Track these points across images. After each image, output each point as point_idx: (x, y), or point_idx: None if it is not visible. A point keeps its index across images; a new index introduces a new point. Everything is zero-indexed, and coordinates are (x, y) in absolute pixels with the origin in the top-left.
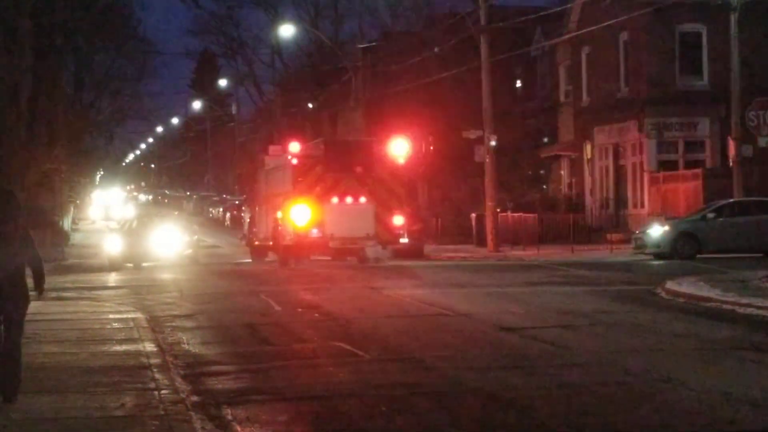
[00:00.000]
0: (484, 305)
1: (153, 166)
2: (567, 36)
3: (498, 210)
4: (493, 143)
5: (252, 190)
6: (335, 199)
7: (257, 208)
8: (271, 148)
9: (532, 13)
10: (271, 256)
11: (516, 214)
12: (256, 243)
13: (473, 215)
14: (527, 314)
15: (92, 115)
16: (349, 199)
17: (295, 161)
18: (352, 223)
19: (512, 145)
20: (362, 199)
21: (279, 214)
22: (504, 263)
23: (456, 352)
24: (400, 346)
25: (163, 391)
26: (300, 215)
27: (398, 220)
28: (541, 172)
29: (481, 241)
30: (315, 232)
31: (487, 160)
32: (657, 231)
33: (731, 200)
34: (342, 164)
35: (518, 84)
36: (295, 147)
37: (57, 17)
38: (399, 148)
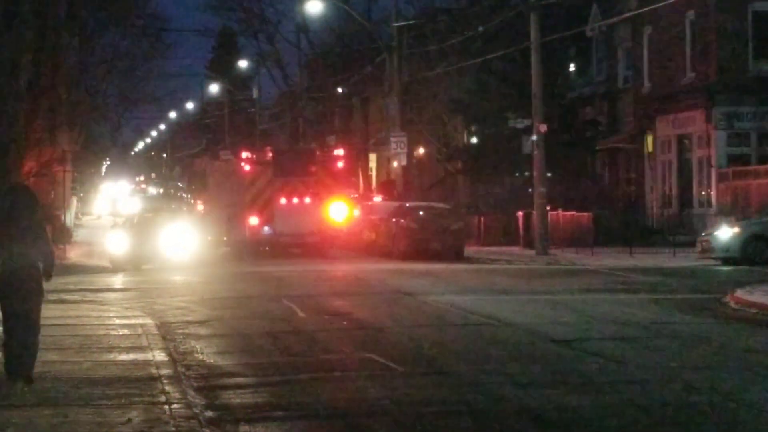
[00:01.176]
0: (532, 314)
1: (165, 155)
2: (627, 15)
3: (548, 208)
4: (542, 133)
5: (203, 191)
6: (283, 200)
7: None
8: (221, 153)
9: None
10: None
11: (568, 213)
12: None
13: (520, 213)
14: (579, 324)
15: (98, 99)
16: (295, 200)
17: (247, 167)
18: (299, 220)
19: (564, 136)
20: (307, 200)
21: (234, 214)
22: (554, 267)
23: (499, 365)
24: (437, 359)
25: (174, 405)
26: (253, 216)
27: (339, 216)
28: (597, 165)
29: (529, 243)
30: (266, 230)
31: (536, 152)
32: (726, 233)
33: None
34: (289, 169)
35: (572, 68)
36: (246, 154)
37: None
38: (338, 155)
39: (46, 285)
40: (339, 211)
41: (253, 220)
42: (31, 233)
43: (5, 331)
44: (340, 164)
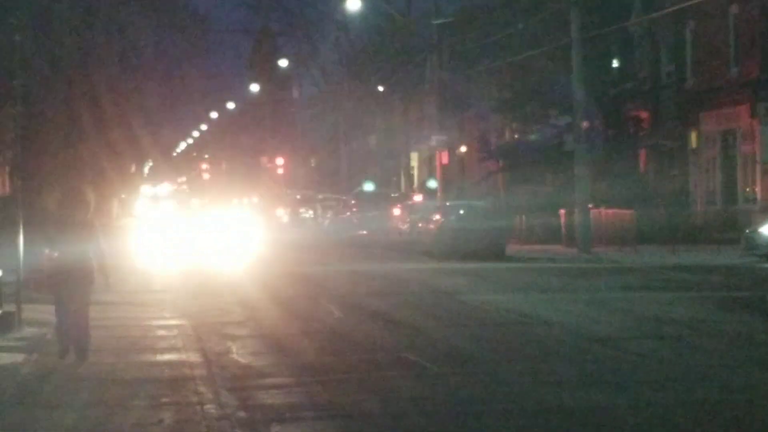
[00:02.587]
0: (571, 313)
1: (207, 156)
2: (669, 10)
3: (590, 206)
4: (584, 130)
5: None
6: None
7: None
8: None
9: None
10: None
11: (610, 211)
12: None
13: (562, 211)
14: (619, 323)
15: (139, 99)
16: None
17: (206, 176)
18: None
19: (606, 133)
20: (254, 199)
21: None
22: (596, 266)
23: (535, 364)
24: (474, 358)
25: (206, 406)
26: None
27: (279, 212)
28: (640, 162)
29: (572, 241)
30: None
31: (578, 150)
32: None
33: None
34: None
35: (614, 64)
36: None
37: None
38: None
39: (105, 282)
40: None
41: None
42: (85, 231)
43: (57, 315)
44: (280, 170)
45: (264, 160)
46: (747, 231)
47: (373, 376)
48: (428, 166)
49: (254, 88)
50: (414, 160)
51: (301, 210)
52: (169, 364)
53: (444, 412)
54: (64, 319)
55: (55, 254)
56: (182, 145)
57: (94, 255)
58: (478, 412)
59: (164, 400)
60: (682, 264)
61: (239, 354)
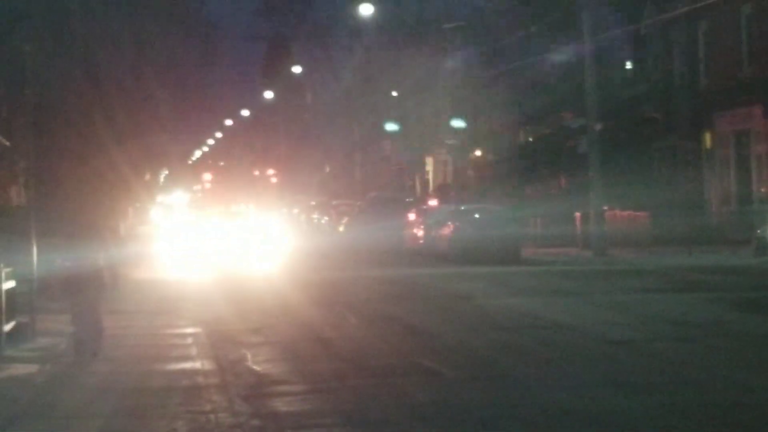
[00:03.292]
0: (588, 315)
1: (222, 164)
2: (682, 11)
3: (605, 208)
4: (597, 132)
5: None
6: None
7: None
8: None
9: None
10: None
11: (625, 213)
12: None
13: (577, 214)
14: (635, 325)
15: (152, 106)
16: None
17: (208, 185)
18: None
19: (620, 135)
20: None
21: None
22: (612, 268)
23: (554, 368)
24: (490, 363)
25: (220, 414)
26: None
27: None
28: (654, 164)
29: (587, 243)
30: None
31: (591, 152)
32: None
33: None
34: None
35: (627, 65)
36: (208, 176)
37: None
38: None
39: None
40: None
41: None
42: (97, 240)
43: (74, 318)
44: (274, 179)
45: (256, 171)
46: (758, 231)
47: (389, 382)
48: (443, 170)
49: (268, 94)
50: (429, 164)
51: (316, 216)
52: (183, 372)
53: (461, 417)
54: (80, 324)
55: (68, 263)
56: (197, 153)
57: (105, 263)
58: (495, 417)
59: (178, 408)
60: (698, 265)
61: (254, 362)
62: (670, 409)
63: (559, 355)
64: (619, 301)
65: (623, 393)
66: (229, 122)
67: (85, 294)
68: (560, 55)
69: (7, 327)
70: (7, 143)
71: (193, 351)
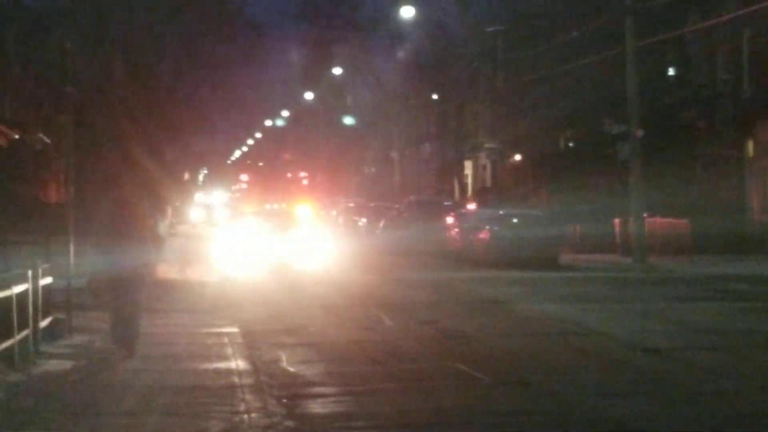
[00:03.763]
0: (625, 323)
1: (261, 164)
2: (726, 17)
3: (645, 215)
4: (638, 139)
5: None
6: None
7: None
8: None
9: None
10: None
11: (665, 220)
12: None
13: (617, 220)
14: (673, 334)
15: (193, 106)
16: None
17: (245, 186)
18: None
19: (661, 141)
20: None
21: None
22: (650, 275)
23: (587, 375)
24: (524, 369)
25: (253, 415)
26: None
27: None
28: (695, 171)
29: (626, 250)
30: None
31: (632, 158)
32: None
33: None
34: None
35: (669, 72)
36: (245, 177)
37: None
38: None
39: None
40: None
41: None
42: (137, 240)
43: (113, 313)
44: (305, 182)
45: (289, 173)
46: None
47: (423, 385)
48: (482, 174)
49: (308, 96)
50: (468, 168)
51: (354, 218)
52: (218, 372)
53: (495, 423)
54: (119, 320)
55: (111, 261)
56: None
57: (145, 262)
58: (529, 424)
59: (211, 408)
60: (738, 274)
61: (288, 362)
62: (706, 419)
63: (596, 362)
64: (657, 309)
65: (658, 402)
66: (268, 123)
67: (125, 293)
68: (602, 60)
69: (44, 323)
70: (48, 141)
71: (228, 351)
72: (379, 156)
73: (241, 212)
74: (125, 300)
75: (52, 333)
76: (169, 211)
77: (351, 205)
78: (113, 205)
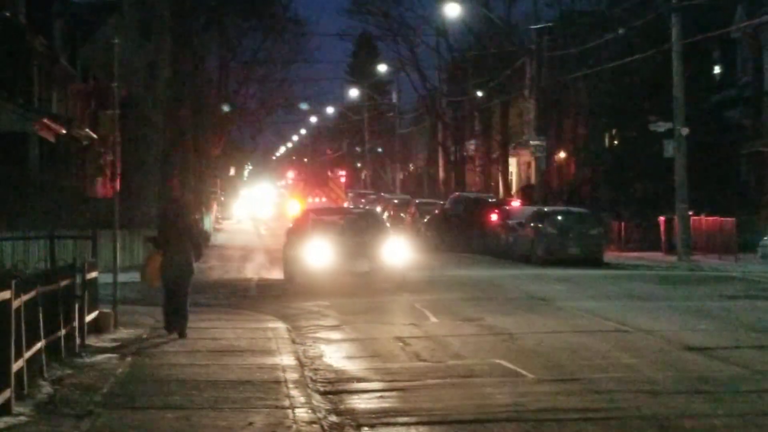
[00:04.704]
0: (669, 321)
1: (305, 160)
2: None
3: (690, 213)
4: (684, 137)
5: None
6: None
7: None
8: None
9: None
10: None
11: (711, 218)
12: None
13: (661, 218)
14: (718, 332)
15: (239, 103)
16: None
17: (290, 182)
18: None
19: (707, 140)
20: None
21: None
22: (696, 274)
23: (632, 373)
24: (569, 366)
25: (297, 410)
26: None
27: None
28: (741, 170)
29: (671, 248)
30: None
31: (678, 156)
32: None
33: None
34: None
35: (715, 70)
36: (291, 174)
37: None
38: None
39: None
40: None
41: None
42: (186, 235)
43: (166, 297)
44: (343, 179)
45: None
46: None
47: (467, 382)
48: (527, 171)
49: (353, 93)
50: (512, 165)
51: (398, 214)
52: (262, 366)
53: (539, 420)
54: (170, 306)
55: (162, 254)
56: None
57: (191, 254)
58: (574, 420)
59: (256, 402)
60: None
61: (332, 358)
62: (750, 418)
63: (640, 360)
64: (702, 307)
65: (703, 399)
66: (313, 119)
67: (177, 282)
68: (648, 58)
69: (90, 317)
70: (95, 136)
71: (273, 345)
72: (423, 152)
73: (287, 208)
74: (177, 288)
75: (98, 327)
76: (215, 206)
77: (395, 201)
78: (164, 208)
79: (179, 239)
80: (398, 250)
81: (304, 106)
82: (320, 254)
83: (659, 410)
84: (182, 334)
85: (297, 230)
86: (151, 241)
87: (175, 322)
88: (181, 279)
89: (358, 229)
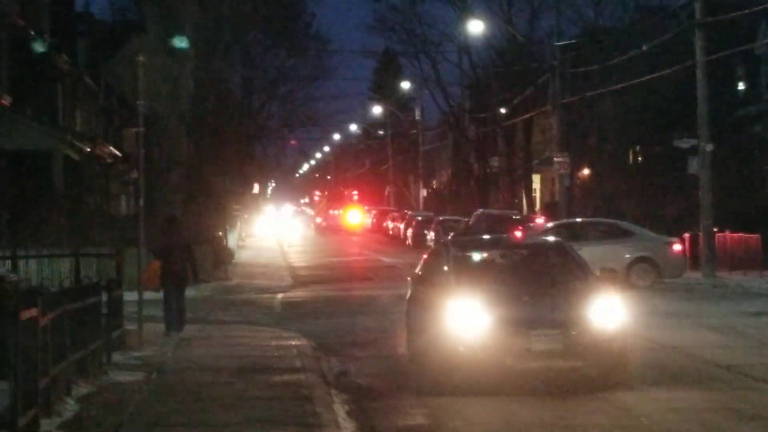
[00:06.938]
0: (693, 337)
1: (329, 177)
2: None
3: (715, 229)
4: (708, 153)
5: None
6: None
7: None
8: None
9: (756, 5)
10: None
11: (736, 234)
12: None
13: (686, 235)
14: (744, 349)
15: (262, 120)
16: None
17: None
18: None
19: (731, 156)
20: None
21: None
22: (721, 290)
23: (660, 390)
24: (594, 382)
25: (324, 428)
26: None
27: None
28: (765, 185)
29: (696, 265)
30: None
31: (702, 173)
32: None
33: None
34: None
35: (740, 86)
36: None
37: (223, 12)
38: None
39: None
40: None
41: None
42: (184, 248)
43: (166, 301)
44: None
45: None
46: None
47: (494, 399)
48: (551, 188)
49: (377, 109)
50: (536, 181)
51: (422, 231)
52: (288, 384)
53: None
54: (170, 307)
55: (162, 264)
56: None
57: (189, 265)
58: None
59: (281, 421)
60: None
61: (359, 375)
62: None
63: (667, 377)
64: (729, 324)
65: (733, 418)
66: (337, 137)
67: (175, 287)
68: (672, 74)
69: (115, 334)
70: (119, 154)
71: (298, 363)
72: (447, 169)
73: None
74: (175, 292)
75: (123, 344)
76: (239, 223)
77: (419, 218)
78: (165, 226)
79: (178, 252)
80: (611, 311)
81: (335, 137)
82: (478, 320)
83: (687, 427)
84: (180, 330)
85: (432, 275)
86: (153, 251)
87: (175, 322)
88: (178, 286)
89: (538, 273)
